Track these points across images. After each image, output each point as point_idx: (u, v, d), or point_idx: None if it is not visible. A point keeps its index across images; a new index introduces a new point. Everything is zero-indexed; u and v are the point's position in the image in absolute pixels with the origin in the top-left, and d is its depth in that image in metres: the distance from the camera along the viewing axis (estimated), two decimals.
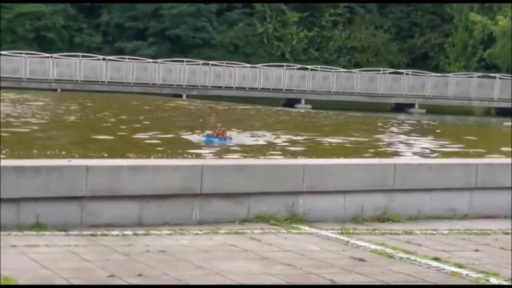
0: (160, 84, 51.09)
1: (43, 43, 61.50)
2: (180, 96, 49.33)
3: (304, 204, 8.13)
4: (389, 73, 56.79)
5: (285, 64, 55.90)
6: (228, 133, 15.20)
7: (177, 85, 51.27)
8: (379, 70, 56.73)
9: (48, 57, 49.81)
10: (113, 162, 7.93)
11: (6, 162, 7.29)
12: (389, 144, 17.96)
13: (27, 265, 5.61)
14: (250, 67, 53.43)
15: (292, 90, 53.12)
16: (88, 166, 7.28)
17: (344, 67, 61.78)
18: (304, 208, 8.12)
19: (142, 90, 49.36)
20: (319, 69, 54.94)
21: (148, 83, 50.89)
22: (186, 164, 7.99)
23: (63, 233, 6.88)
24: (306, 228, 7.76)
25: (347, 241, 7.19)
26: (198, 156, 12.01)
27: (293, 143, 17.07)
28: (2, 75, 47.19)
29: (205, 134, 14.99)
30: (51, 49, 55.04)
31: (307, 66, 55.14)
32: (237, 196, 7.88)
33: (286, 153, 13.88)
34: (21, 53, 49.61)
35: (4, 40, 61.46)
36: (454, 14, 68.03)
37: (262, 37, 67.24)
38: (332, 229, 7.74)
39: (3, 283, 5.03)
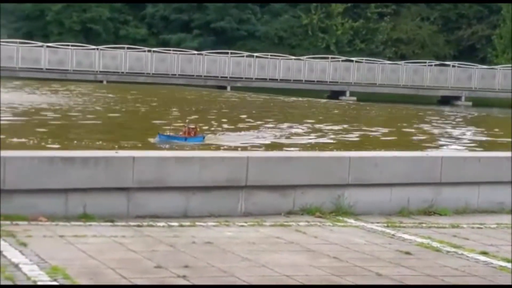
0: (204, 76, 51.23)
1: (89, 36, 62.02)
2: (224, 88, 49.46)
3: (349, 196, 8.10)
4: (435, 65, 56.32)
5: (330, 56, 55.71)
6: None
7: (221, 77, 51.38)
8: (425, 62, 56.27)
9: (94, 49, 50.21)
10: (159, 154, 7.98)
11: (55, 153, 7.37)
12: (436, 137, 17.81)
13: (75, 255, 5.66)
14: (294, 59, 53.34)
15: (337, 82, 52.94)
16: (135, 157, 7.33)
17: (389, 59, 61.41)
18: (349, 200, 8.09)
19: (187, 82, 49.56)
20: (364, 61, 54.68)
21: (193, 75, 51.07)
22: (231, 156, 8.00)
23: (109, 223, 6.94)
24: (351, 221, 7.73)
25: (393, 234, 7.14)
26: (244, 148, 12.05)
27: (339, 135, 17.03)
28: (48, 67, 47.71)
29: (168, 133, 13.74)
30: (97, 41, 55.47)
31: (352, 58, 54.90)
32: (283, 188, 7.87)
33: (332, 145, 13.86)
34: (68, 45, 50.07)
35: (51, 32, 62.13)
36: (502, 6, 67.16)
37: (306, 29, 67.04)
38: (378, 222, 7.70)
39: (52, 272, 5.08)
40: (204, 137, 13.63)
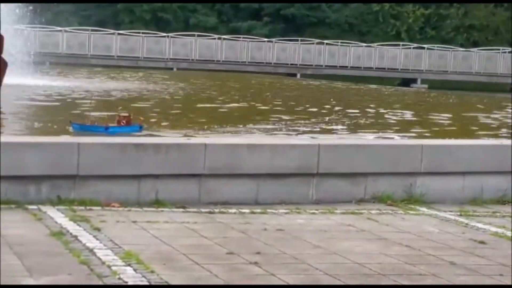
0: (274, 63, 51.20)
1: (159, 24, 62.44)
2: (294, 75, 49.35)
3: (422, 185, 8.01)
4: (509, 52, 55.21)
5: (400, 43, 55.10)
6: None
7: (291, 64, 51.28)
8: (499, 49, 55.24)
9: (164, 36, 50.60)
10: (231, 140, 8.02)
11: (127, 139, 7.45)
12: (510, 125, 17.49)
13: (148, 241, 5.72)
14: (365, 46, 52.92)
15: (408, 69, 52.34)
16: (207, 144, 7.36)
17: (461, 46, 60.41)
18: (421, 189, 8.00)
19: (256, 69, 49.59)
20: (435, 48, 53.94)
21: (263, 62, 51.08)
22: (303, 143, 7.98)
23: (181, 210, 6.99)
24: (423, 209, 7.64)
25: (467, 223, 7.04)
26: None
27: (411, 123, 16.86)
28: (120, 54, 48.27)
29: (87, 122, 12.47)
30: (167, 30, 55.82)
31: (424, 45, 54.19)
32: (354, 176, 7.82)
33: (404, 132, 13.73)
34: (138, 33, 50.56)
35: (122, 21, 62.78)
36: None
37: (377, 16, 66.32)
38: (451, 211, 7.60)
39: (125, 257, 5.15)
40: (142, 127, 12.39)
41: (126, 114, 12.45)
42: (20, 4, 28.21)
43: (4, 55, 17.27)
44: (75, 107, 16.70)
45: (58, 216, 6.32)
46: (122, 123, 12.12)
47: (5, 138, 7.10)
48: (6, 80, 18.42)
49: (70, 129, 12.04)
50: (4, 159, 6.68)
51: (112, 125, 12.03)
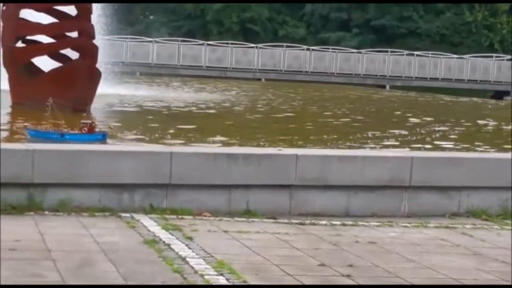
0: (363, 75, 50.89)
1: (248, 36, 62.82)
2: (383, 87, 48.95)
3: None
4: None
5: (494, 54, 54.06)
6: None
7: (380, 75, 50.87)
8: None
9: (252, 47, 50.86)
10: (322, 152, 7.97)
11: (219, 150, 7.49)
12: None
13: (240, 251, 5.72)
14: (456, 57, 52.12)
15: (501, 82, 51.29)
16: (298, 155, 7.34)
17: None
18: None
19: (345, 81, 49.38)
20: None
21: (351, 74, 50.82)
22: (395, 156, 7.88)
23: (272, 220, 6.98)
24: None
25: None
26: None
27: (507, 136, 16.53)
28: (208, 64, 48.73)
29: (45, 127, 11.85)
30: (256, 41, 56.12)
31: None
32: (448, 189, 7.68)
33: (502, 146, 13.45)
34: (227, 43, 50.96)
35: (211, 32, 63.41)
36: None
37: (470, 27, 65.30)
38: None
39: (218, 266, 5.15)
40: (105, 135, 11.84)
41: (89, 122, 12.00)
42: (111, 15, 28.76)
43: (97, 65, 17.58)
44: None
45: (150, 225, 6.38)
46: (83, 131, 11.65)
47: (100, 147, 7.23)
48: (100, 89, 18.88)
49: (27, 133, 11.75)
50: (99, 167, 6.79)
51: (72, 132, 11.60)
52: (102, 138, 11.69)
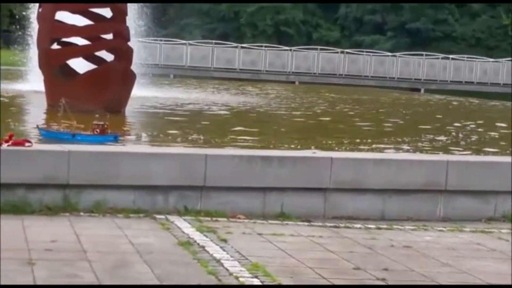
0: (397, 78, 50.62)
1: (281, 38, 62.81)
2: (418, 90, 48.66)
3: None
4: None
5: None
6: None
7: (415, 79, 50.55)
8: None
9: (286, 50, 50.82)
10: (357, 155, 7.93)
11: (254, 152, 7.48)
12: None
13: (274, 253, 5.71)
14: (492, 61, 51.69)
15: None
16: (333, 158, 7.31)
17: None
18: None
19: (379, 84, 49.16)
20: None
21: (385, 77, 50.56)
22: (430, 159, 7.83)
23: (306, 223, 6.96)
24: None
25: None
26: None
27: None
28: (241, 67, 48.78)
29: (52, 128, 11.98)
30: (289, 44, 56.09)
31: None
32: (484, 193, 7.61)
33: None
34: (261, 46, 50.96)
35: (244, 34, 63.49)
36: None
37: (506, 30, 64.71)
38: None
39: (252, 269, 5.15)
40: (117, 137, 11.86)
41: (101, 123, 11.89)
42: (146, 17, 28.90)
43: (132, 67, 17.65)
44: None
45: (185, 226, 6.39)
46: (95, 132, 11.68)
47: (135, 149, 7.25)
48: (135, 91, 18.95)
49: (41, 133, 11.87)
50: (134, 169, 6.82)
51: (84, 133, 11.63)
52: (114, 139, 11.69)
